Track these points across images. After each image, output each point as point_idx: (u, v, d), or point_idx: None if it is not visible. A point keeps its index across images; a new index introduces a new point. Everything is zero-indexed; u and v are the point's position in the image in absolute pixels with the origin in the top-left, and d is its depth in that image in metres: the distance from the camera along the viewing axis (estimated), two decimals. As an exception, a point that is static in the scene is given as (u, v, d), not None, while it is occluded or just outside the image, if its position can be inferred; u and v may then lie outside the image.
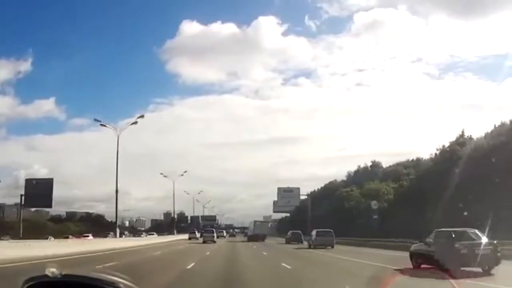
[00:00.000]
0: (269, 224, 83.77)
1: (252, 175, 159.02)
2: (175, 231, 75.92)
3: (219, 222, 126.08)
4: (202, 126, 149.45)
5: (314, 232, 37.09)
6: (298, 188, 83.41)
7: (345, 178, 79.17)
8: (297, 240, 47.16)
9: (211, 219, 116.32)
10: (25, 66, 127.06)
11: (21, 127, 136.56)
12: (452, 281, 2.73)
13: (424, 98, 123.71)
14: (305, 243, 41.01)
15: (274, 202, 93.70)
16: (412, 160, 63.04)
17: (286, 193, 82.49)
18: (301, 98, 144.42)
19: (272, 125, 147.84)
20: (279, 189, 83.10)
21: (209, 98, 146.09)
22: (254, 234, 59.49)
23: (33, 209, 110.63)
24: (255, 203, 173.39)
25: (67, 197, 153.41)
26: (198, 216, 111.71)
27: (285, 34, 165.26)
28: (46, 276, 2.14)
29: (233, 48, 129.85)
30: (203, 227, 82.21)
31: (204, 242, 48.76)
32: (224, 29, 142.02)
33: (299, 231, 50.92)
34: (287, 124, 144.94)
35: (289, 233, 52.84)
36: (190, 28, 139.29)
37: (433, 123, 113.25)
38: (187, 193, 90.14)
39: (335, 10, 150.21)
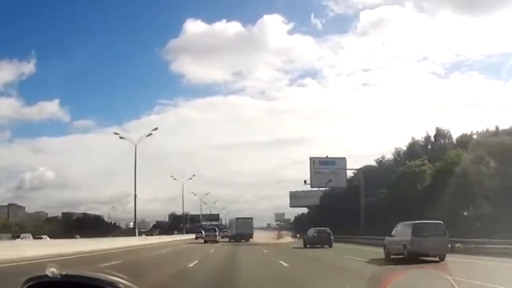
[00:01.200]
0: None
1: (258, 176, 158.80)
2: (137, 232, 53.86)
3: (223, 222, 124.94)
4: (207, 127, 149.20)
5: (405, 227, 19.65)
6: (344, 159, 52.98)
7: (391, 156, 59.56)
8: (324, 243, 33.66)
9: (214, 218, 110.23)
10: (28, 67, 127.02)
11: (25, 129, 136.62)
12: (451, 280, 2.75)
13: (430, 98, 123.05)
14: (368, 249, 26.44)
15: (292, 195, 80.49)
16: (483, 131, 47.78)
17: (324, 167, 51.65)
18: (307, 99, 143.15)
19: (278, 126, 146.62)
20: (312, 160, 51.88)
21: (214, 99, 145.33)
22: (238, 233, 50.98)
23: (32, 211, 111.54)
24: (262, 204, 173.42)
25: (72, 200, 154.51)
26: (199, 215, 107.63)
27: (290, 32, 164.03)
28: (46, 276, 2.16)
29: (239, 48, 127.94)
30: (204, 226, 77.21)
31: (205, 242, 46.22)
32: (229, 28, 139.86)
33: (327, 229, 35.49)
34: (293, 125, 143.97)
35: (310, 231, 36.53)
36: (194, 27, 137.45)
37: (439, 123, 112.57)
38: (194, 194, 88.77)
39: (341, 8, 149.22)
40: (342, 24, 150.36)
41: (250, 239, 50.15)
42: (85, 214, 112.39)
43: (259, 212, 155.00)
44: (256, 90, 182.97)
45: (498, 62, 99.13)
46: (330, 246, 33.09)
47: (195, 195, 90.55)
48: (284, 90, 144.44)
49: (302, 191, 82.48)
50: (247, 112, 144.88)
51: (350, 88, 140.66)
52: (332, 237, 34.63)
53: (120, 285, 2.16)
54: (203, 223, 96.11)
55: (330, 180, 51.88)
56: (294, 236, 62.17)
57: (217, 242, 45.88)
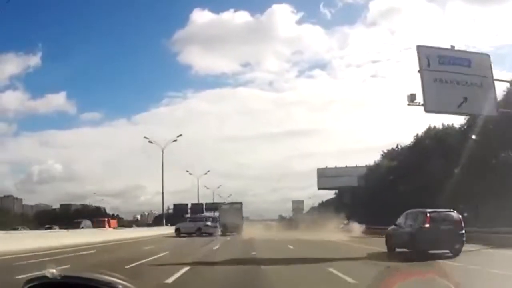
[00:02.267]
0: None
1: (267, 168, 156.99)
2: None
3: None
4: (216, 119, 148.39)
5: None
6: (487, 57, 23.45)
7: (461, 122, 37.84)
8: (442, 245, 15.65)
9: (218, 207, 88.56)
10: (35, 60, 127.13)
11: (32, 122, 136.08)
12: (451, 285, 2.72)
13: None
14: None
15: (320, 173, 68.74)
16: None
17: (450, 69, 21.95)
18: (316, 90, 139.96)
19: (287, 118, 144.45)
20: (423, 53, 21.96)
21: (223, 91, 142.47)
22: (221, 224, 41.73)
23: (33, 204, 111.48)
24: (272, 197, 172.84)
25: (81, 193, 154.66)
26: (202, 204, 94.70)
27: (299, 22, 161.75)
28: (46, 277, 2.19)
29: (247, 38, 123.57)
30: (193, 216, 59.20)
31: (177, 234, 36.91)
32: (237, 17, 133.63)
33: (453, 213, 16.30)
34: (302, 116, 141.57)
35: (405, 218, 17.50)
36: (201, 17, 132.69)
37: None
38: (190, 174, 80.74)
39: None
40: (352, 14, 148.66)
41: (241, 232, 39.67)
42: (84, 205, 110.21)
43: (270, 205, 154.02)
44: (264, 81, 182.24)
45: (507, 53, 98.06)
46: (457, 253, 15.25)
47: (190, 174, 79.54)
48: (293, 82, 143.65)
49: (334, 168, 68.83)
50: (255, 104, 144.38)
51: (360, 80, 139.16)
52: (463, 232, 15.84)
53: (119, 286, 2.18)
54: (205, 213, 77.98)
55: (465, 99, 22.36)
56: (347, 224, 40.68)
57: (215, 235, 36.57)
